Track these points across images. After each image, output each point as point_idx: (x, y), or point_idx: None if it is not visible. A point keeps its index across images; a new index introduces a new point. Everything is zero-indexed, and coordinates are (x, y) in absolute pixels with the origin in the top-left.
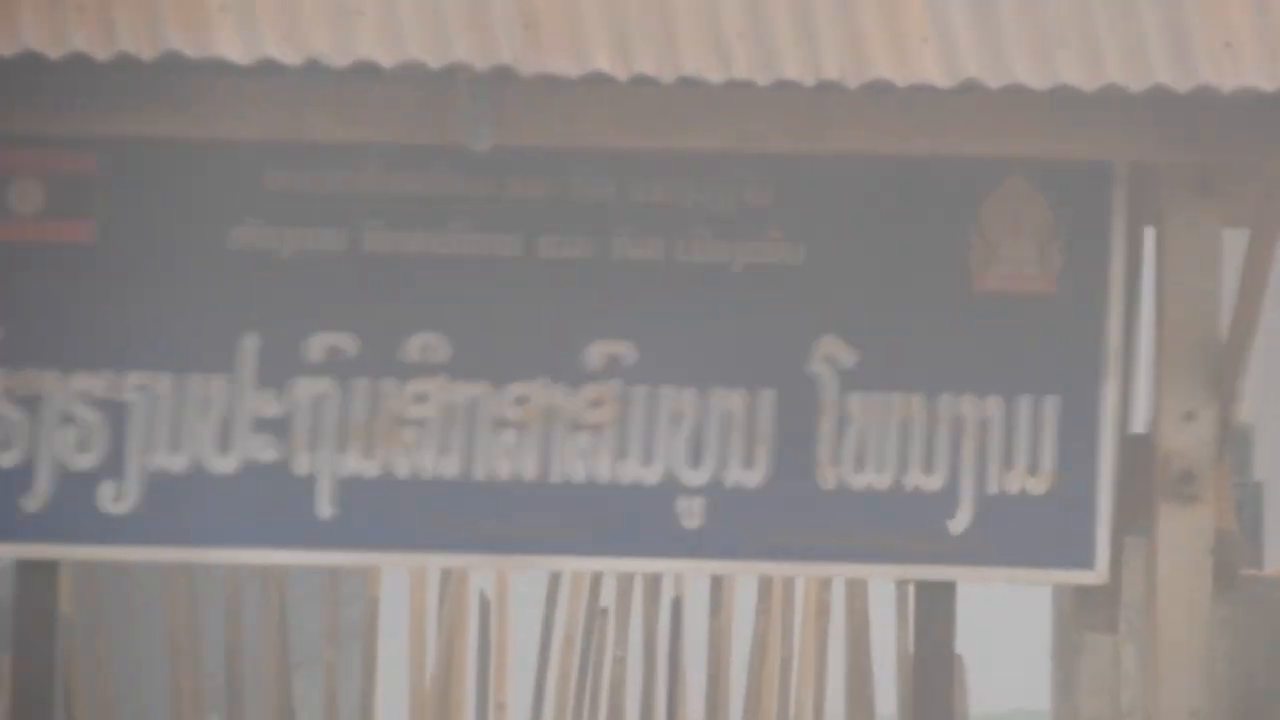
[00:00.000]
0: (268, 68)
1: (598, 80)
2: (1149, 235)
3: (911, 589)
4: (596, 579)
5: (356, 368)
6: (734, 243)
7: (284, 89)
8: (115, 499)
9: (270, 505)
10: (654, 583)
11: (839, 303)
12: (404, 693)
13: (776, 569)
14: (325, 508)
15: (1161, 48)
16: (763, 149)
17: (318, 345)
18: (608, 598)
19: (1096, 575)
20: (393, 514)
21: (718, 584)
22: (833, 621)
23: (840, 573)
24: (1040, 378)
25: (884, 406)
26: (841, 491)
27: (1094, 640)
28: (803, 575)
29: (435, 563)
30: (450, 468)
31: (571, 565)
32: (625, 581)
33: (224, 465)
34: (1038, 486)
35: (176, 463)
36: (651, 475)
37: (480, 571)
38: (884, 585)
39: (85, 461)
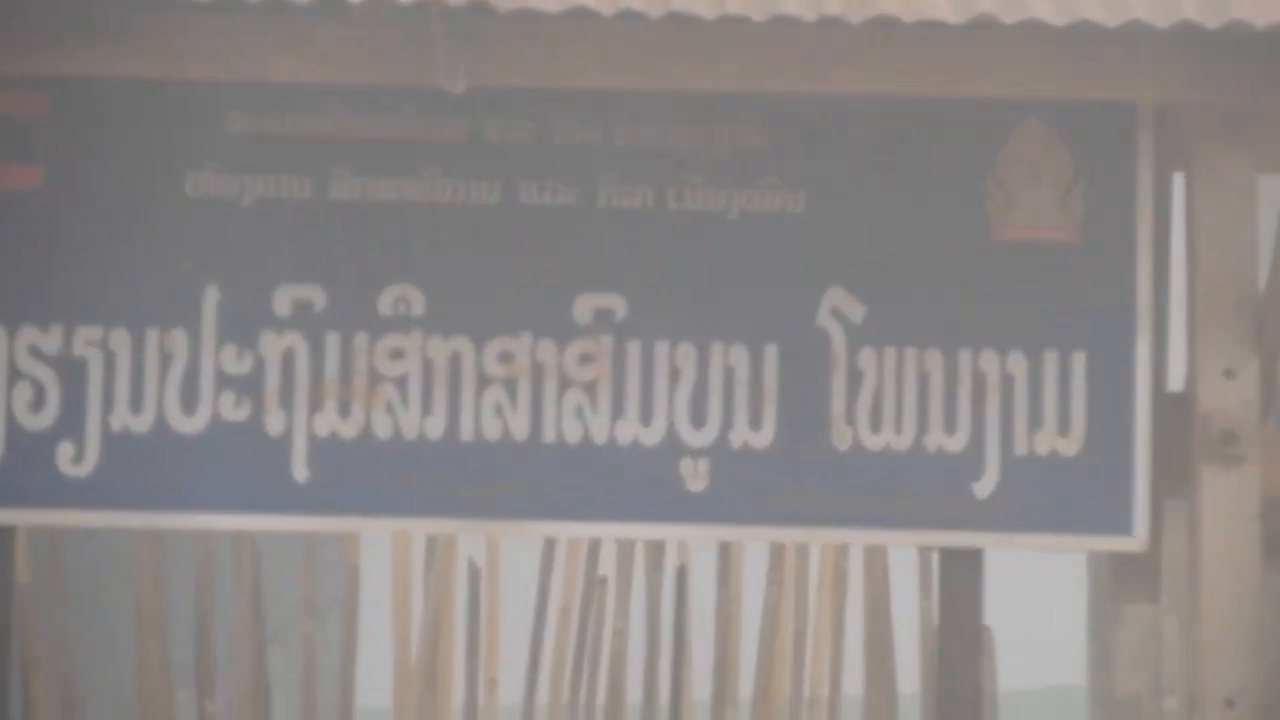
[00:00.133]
0: (228, 3)
1: (581, 15)
2: (1177, 182)
3: (935, 557)
4: (594, 546)
5: (326, 321)
6: (730, 190)
7: (245, 26)
8: (74, 461)
9: (241, 467)
10: (657, 550)
11: (844, 253)
12: (387, 667)
13: (789, 535)
14: (300, 469)
15: None
16: (760, 90)
17: (284, 298)
18: (607, 566)
19: (1135, 541)
20: (373, 476)
21: (725, 551)
22: (850, 592)
23: (858, 539)
24: (1066, 333)
25: (899, 363)
26: (857, 452)
27: (1133, 612)
28: (817, 542)
29: (420, 528)
30: (435, 428)
31: (567, 531)
32: (625, 549)
33: (190, 425)
34: (1069, 447)
35: (139, 422)
36: (652, 435)
37: (469, 538)
38: (905, 553)
39: (40, 421)
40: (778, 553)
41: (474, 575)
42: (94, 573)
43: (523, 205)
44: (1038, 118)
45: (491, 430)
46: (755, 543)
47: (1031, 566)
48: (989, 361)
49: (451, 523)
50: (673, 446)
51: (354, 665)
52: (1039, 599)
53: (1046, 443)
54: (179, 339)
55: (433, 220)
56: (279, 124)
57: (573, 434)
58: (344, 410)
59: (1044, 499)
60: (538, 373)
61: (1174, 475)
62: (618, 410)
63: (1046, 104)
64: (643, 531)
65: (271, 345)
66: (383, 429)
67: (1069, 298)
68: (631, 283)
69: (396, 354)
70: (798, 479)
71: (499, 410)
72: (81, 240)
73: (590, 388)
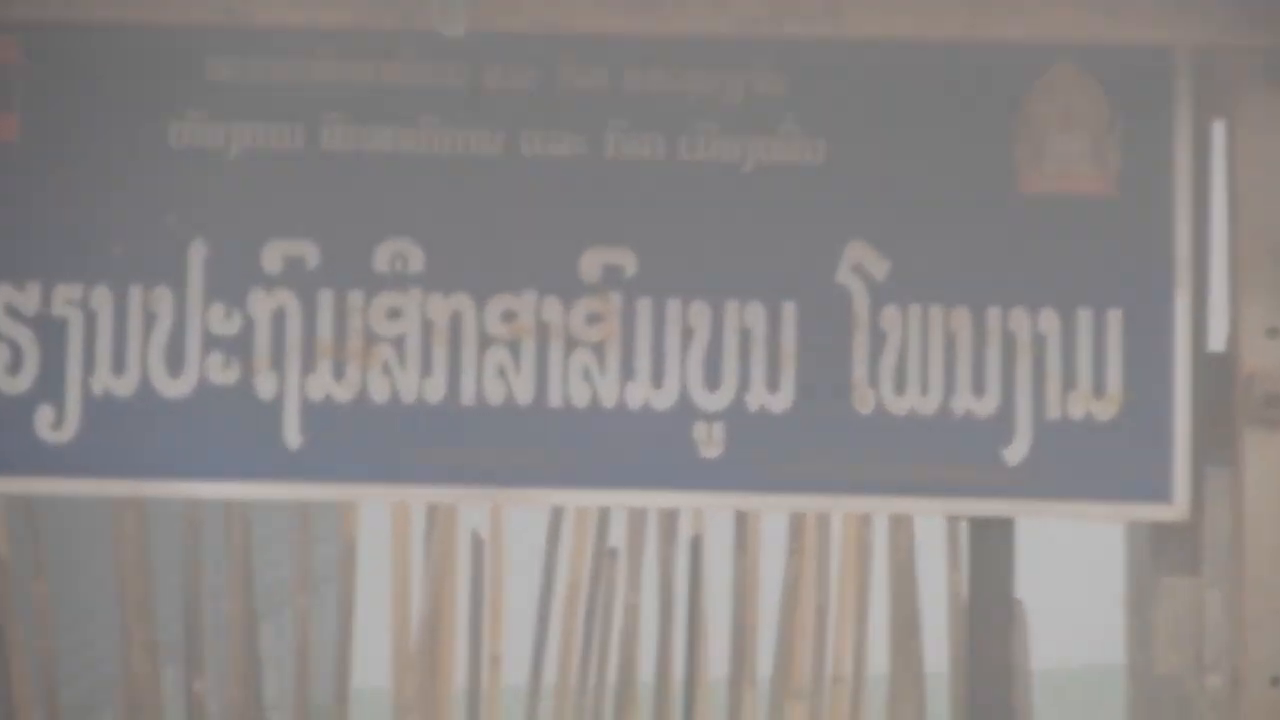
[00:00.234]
0: None
1: None
2: (1218, 130)
3: (964, 527)
4: (604, 516)
5: (319, 279)
6: (744, 139)
7: None
8: (54, 426)
9: (230, 432)
10: (669, 520)
11: (866, 206)
12: (385, 644)
13: (809, 503)
14: (293, 435)
15: None
16: (776, 33)
17: (274, 254)
18: (617, 537)
19: (1174, 510)
20: (370, 442)
21: (742, 521)
22: (874, 564)
23: (882, 508)
24: (1101, 289)
25: (924, 321)
26: (881, 416)
27: (1172, 585)
28: (839, 511)
29: (419, 497)
30: (434, 391)
31: (575, 500)
32: (637, 518)
33: (175, 388)
34: (1104, 410)
35: (121, 386)
36: (664, 398)
37: (471, 507)
38: (932, 523)
39: (18, 384)
40: (797, 523)
41: (477, 547)
42: (75, 545)
43: (525, 156)
44: (1070, 62)
45: (494, 393)
46: (773, 512)
47: (1065, 537)
48: (1019, 320)
49: (453, 491)
50: (686, 410)
51: (350, 642)
52: (1073, 572)
53: (1081, 405)
54: (163, 297)
55: (431, 172)
56: (267, 70)
57: (580, 397)
58: (338, 372)
59: (1078, 465)
60: (543, 333)
61: (1216, 440)
62: (627, 372)
63: (1079, 47)
64: (655, 500)
65: (261, 304)
66: (379, 392)
67: (1103, 252)
68: (641, 237)
69: (393, 313)
70: (818, 444)
71: (502, 372)
72: (60, 193)
73: (598, 348)
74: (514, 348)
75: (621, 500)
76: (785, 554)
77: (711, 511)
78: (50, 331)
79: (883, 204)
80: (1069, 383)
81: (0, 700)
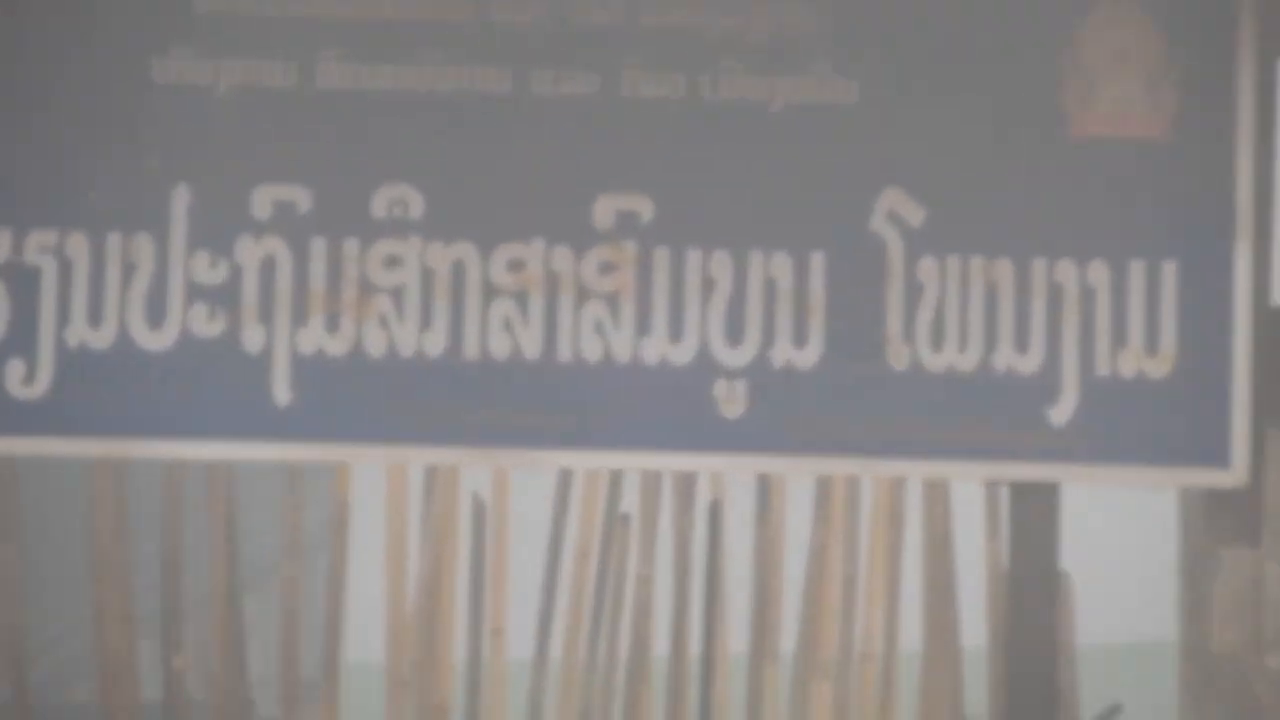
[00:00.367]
0: None
1: None
2: None
3: (1005, 492)
4: (616, 479)
5: (311, 225)
6: (771, 78)
7: None
8: (25, 381)
9: (215, 388)
10: (687, 484)
11: (902, 150)
12: (379, 615)
13: (837, 466)
14: (282, 391)
15: None
16: None
17: (263, 199)
18: (630, 502)
19: (1232, 476)
20: (365, 399)
21: (764, 485)
22: (907, 532)
23: (916, 472)
24: (1155, 239)
25: (963, 273)
26: (916, 373)
27: (1230, 556)
28: (870, 474)
29: (418, 458)
30: (435, 344)
31: (585, 462)
32: (651, 482)
33: (156, 341)
34: (1157, 368)
35: (98, 338)
36: (682, 354)
37: (473, 469)
38: (970, 488)
39: None
40: (824, 487)
41: (478, 512)
42: (47, 508)
43: (535, 95)
44: None
45: (499, 348)
46: (799, 475)
47: (1114, 504)
48: (1066, 271)
49: (453, 452)
50: (706, 366)
51: (341, 614)
52: (1122, 541)
53: (1132, 363)
54: (144, 245)
55: (433, 112)
56: (258, 3)
57: (592, 352)
58: (332, 325)
59: (1128, 426)
60: (552, 283)
61: (1277, 400)
62: (643, 326)
63: None
64: (671, 462)
65: (249, 252)
66: (376, 346)
67: (1158, 199)
68: (659, 182)
69: (392, 262)
70: (848, 403)
71: (508, 325)
72: (34, 134)
73: (612, 300)
74: (521, 299)
75: (635, 463)
76: (811, 521)
77: (732, 475)
78: (22, 280)
79: (919, 148)
80: (1119, 339)
81: None
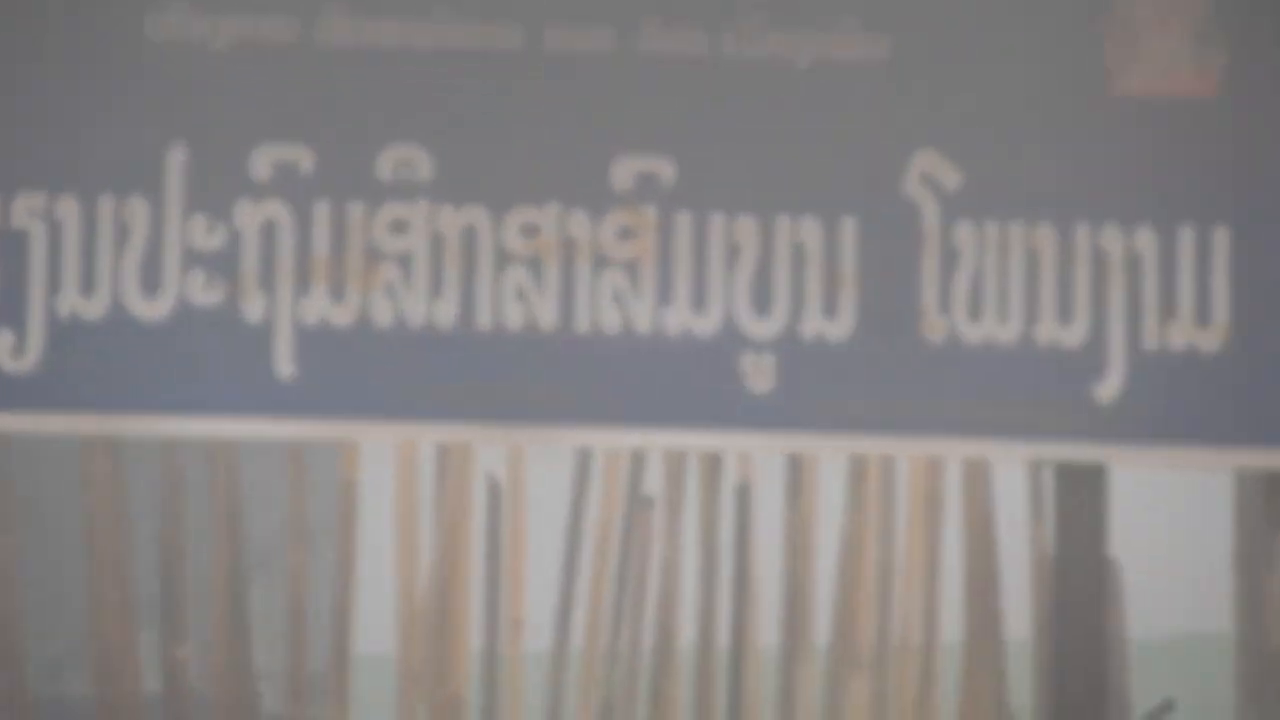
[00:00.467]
0: None
1: None
2: None
3: (1049, 474)
4: (638, 459)
5: (314, 188)
6: (797, 33)
7: None
8: (14, 353)
9: (214, 361)
10: (713, 464)
11: (935, 109)
12: (390, 603)
13: (871, 446)
14: (285, 365)
15: None
16: None
17: (263, 160)
18: (652, 484)
19: None
20: (372, 373)
21: (795, 466)
22: (946, 516)
23: (955, 451)
24: (1205, 203)
25: (1002, 239)
26: (953, 346)
27: None
28: (906, 454)
29: (428, 435)
30: (445, 315)
31: (605, 440)
32: (675, 462)
33: (151, 310)
34: (1209, 341)
35: (90, 308)
36: (706, 325)
37: (487, 447)
38: (1012, 469)
39: None
40: (858, 468)
41: (493, 493)
42: (39, 489)
43: (549, 50)
44: None
45: (513, 318)
46: (831, 455)
47: (1165, 486)
48: (1112, 238)
49: (466, 429)
50: (731, 338)
51: (350, 602)
52: (1174, 527)
53: (1182, 335)
54: (138, 208)
55: (441, 68)
56: None
57: (610, 323)
58: (336, 294)
59: (1179, 403)
60: (568, 249)
61: None
62: (665, 295)
63: None
64: (696, 441)
65: (249, 216)
66: (383, 316)
67: (1208, 162)
68: (680, 143)
69: (399, 227)
70: (881, 378)
71: (522, 294)
72: (20, 91)
73: (631, 267)
74: (535, 266)
75: (657, 441)
76: (844, 504)
77: (761, 455)
78: (9, 246)
79: (955, 107)
80: (1168, 309)
81: None
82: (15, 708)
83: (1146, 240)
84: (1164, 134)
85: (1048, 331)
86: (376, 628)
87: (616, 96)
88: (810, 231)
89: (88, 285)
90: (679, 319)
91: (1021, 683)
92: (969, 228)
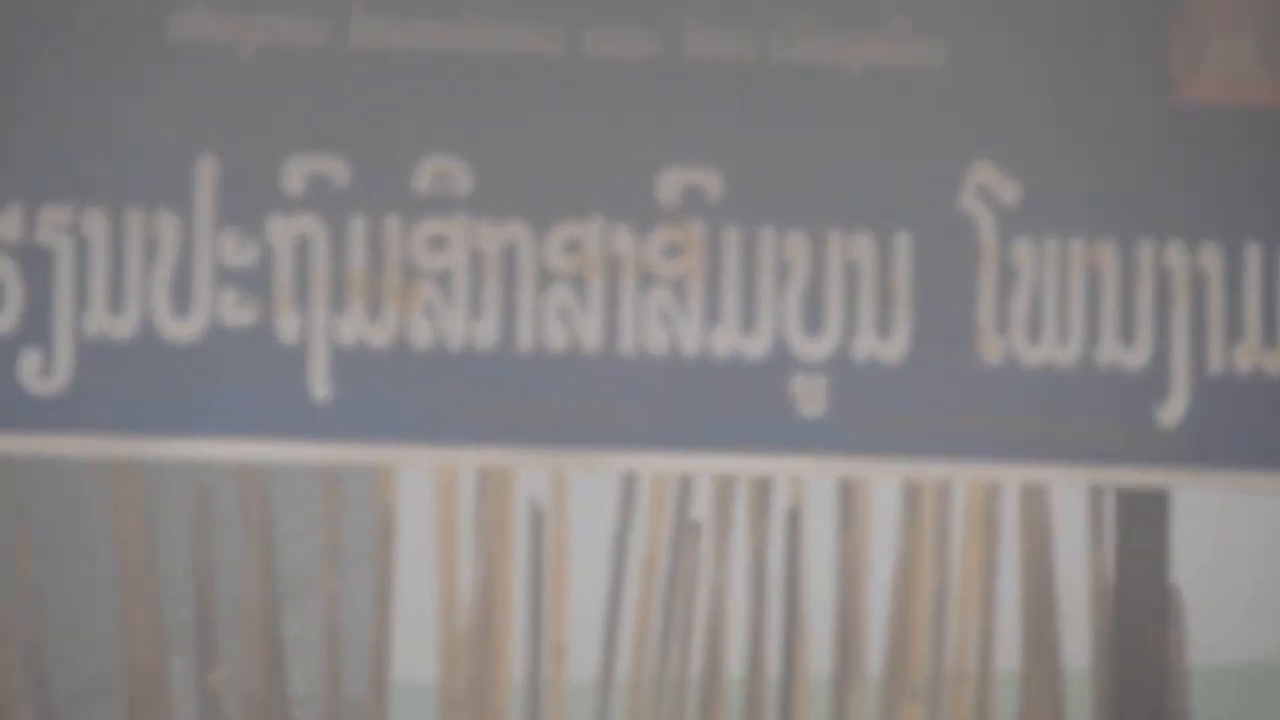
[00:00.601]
0: None
1: None
2: None
3: (1109, 499)
4: (685, 484)
5: (349, 202)
6: (849, 38)
7: None
8: (41, 373)
9: (247, 382)
10: (762, 488)
11: (993, 119)
12: (429, 631)
13: (926, 470)
14: (320, 386)
15: None
16: None
17: (296, 172)
18: (700, 509)
19: None
20: (410, 395)
21: (847, 490)
22: (1003, 542)
23: (1013, 476)
24: (1273, 219)
25: (1062, 256)
26: (1011, 368)
27: None
28: (962, 478)
29: (468, 459)
30: (485, 335)
31: (651, 464)
32: (724, 487)
33: (182, 330)
34: (1276, 363)
35: (119, 327)
36: (756, 346)
37: (530, 472)
38: (1072, 494)
39: None
40: (912, 492)
41: (536, 519)
42: (67, 514)
43: (590, 56)
44: None
45: (556, 339)
46: (884, 479)
47: (1229, 512)
48: (1176, 255)
49: (507, 453)
50: (782, 360)
51: (388, 628)
52: (1238, 554)
53: (1248, 357)
54: (167, 222)
55: (479, 75)
56: None
57: (657, 344)
58: (373, 313)
59: (1244, 427)
60: (612, 267)
61: None
62: (712, 314)
63: None
64: (745, 465)
65: (282, 230)
66: (421, 336)
67: (1275, 175)
68: (727, 154)
69: (437, 242)
70: (936, 400)
71: (564, 314)
72: (45, 99)
73: (678, 286)
74: (578, 284)
75: (705, 466)
76: (898, 530)
77: (811, 479)
78: (36, 262)
79: (1013, 116)
80: (1234, 330)
81: None
82: None
83: (1211, 258)
84: (1231, 145)
85: (1109, 352)
86: (416, 655)
87: (660, 105)
88: (863, 248)
89: (116, 303)
90: (727, 339)
91: (1080, 713)
92: (1027, 244)
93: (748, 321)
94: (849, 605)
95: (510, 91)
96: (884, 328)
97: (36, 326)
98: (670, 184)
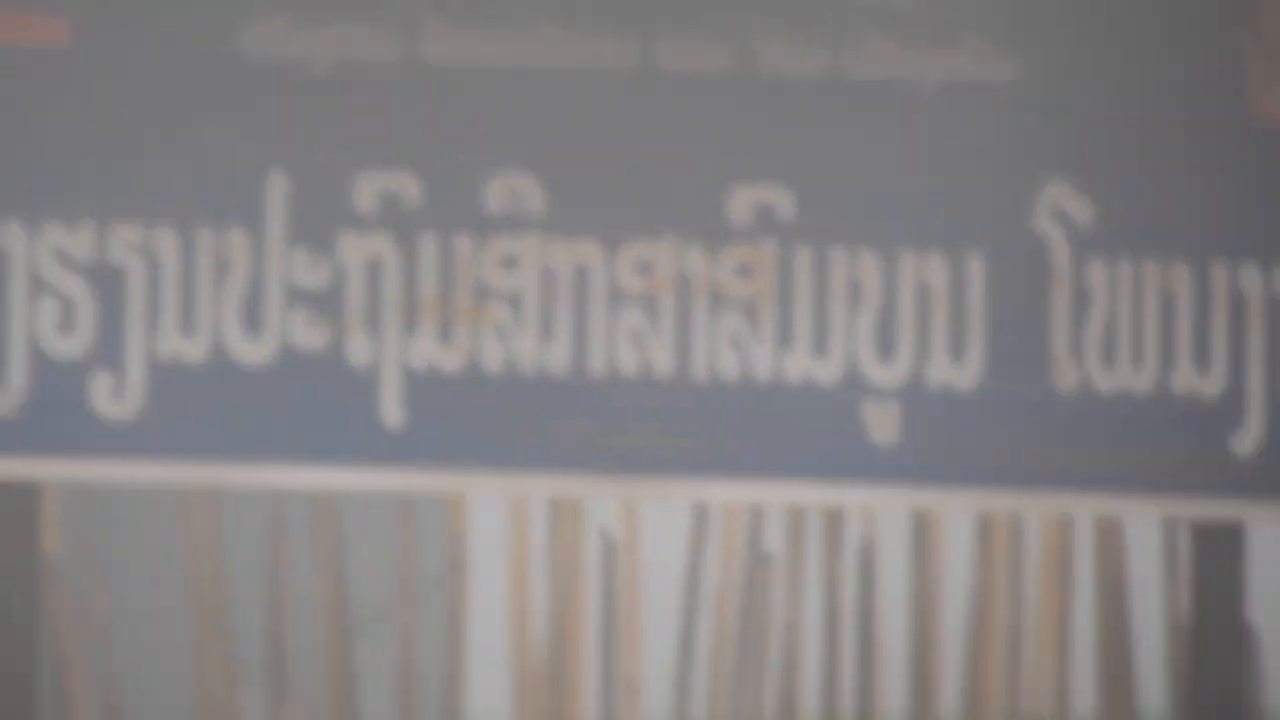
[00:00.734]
0: None
1: None
2: None
3: (1185, 531)
4: (757, 514)
5: (421, 219)
6: (923, 53)
7: None
8: (113, 397)
9: (318, 407)
10: (835, 519)
11: (1068, 136)
12: (502, 663)
13: (1000, 501)
14: (392, 411)
15: None
16: None
17: (368, 189)
18: (773, 539)
19: None
20: (482, 420)
21: (921, 521)
22: (1078, 575)
23: (1087, 507)
24: None
25: (1137, 279)
26: (1086, 394)
27: None
28: (1036, 510)
29: (540, 488)
30: (558, 358)
31: (723, 494)
32: (796, 518)
33: (254, 353)
34: None
35: (191, 350)
36: (828, 371)
37: (601, 501)
38: (1147, 526)
39: (70, 347)
40: (986, 524)
41: (608, 549)
42: (139, 540)
43: (663, 70)
44: None
45: (627, 363)
46: (958, 510)
47: None
48: (1251, 278)
49: (579, 481)
50: (854, 386)
51: (461, 661)
52: None
53: None
54: (238, 241)
55: (552, 89)
56: None
57: (728, 368)
58: (445, 335)
59: None
60: (684, 288)
61: None
62: (784, 338)
63: None
64: (817, 495)
65: (353, 250)
66: (493, 360)
67: None
68: (800, 172)
69: (509, 262)
70: (1011, 428)
71: (636, 337)
72: (117, 113)
73: (750, 308)
74: (650, 306)
75: (777, 496)
76: (971, 563)
77: (884, 510)
78: (107, 282)
79: (1087, 135)
80: None
81: None
82: None
83: None
84: None
85: (1184, 379)
86: (489, 688)
87: (733, 120)
88: (935, 269)
89: (187, 325)
90: (799, 364)
91: None
92: (1101, 266)
93: (819, 346)
94: (923, 641)
95: (582, 107)
96: (957, 353)
97: (109, 349)
98: (742, 202)
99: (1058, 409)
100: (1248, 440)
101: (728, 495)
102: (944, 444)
